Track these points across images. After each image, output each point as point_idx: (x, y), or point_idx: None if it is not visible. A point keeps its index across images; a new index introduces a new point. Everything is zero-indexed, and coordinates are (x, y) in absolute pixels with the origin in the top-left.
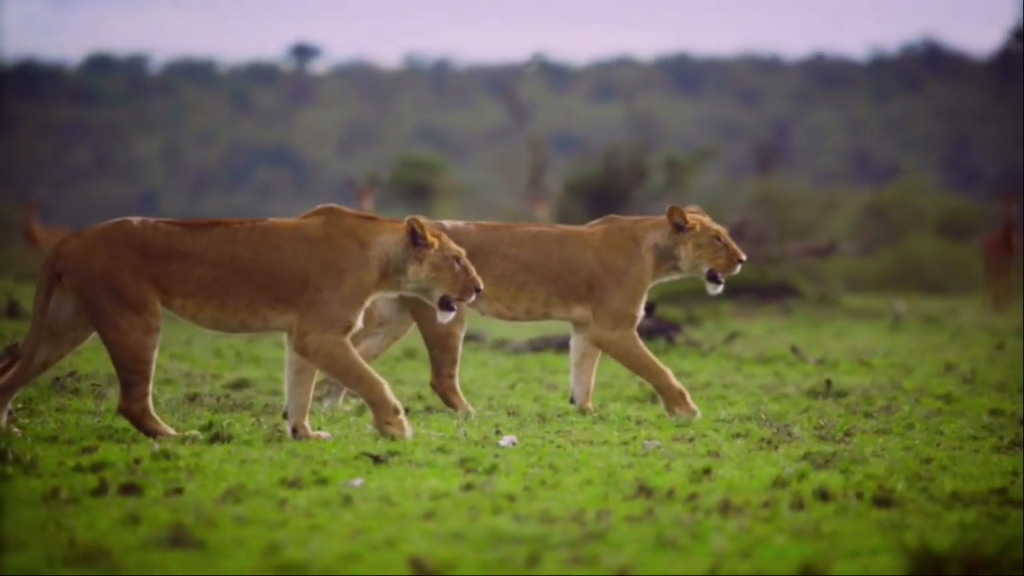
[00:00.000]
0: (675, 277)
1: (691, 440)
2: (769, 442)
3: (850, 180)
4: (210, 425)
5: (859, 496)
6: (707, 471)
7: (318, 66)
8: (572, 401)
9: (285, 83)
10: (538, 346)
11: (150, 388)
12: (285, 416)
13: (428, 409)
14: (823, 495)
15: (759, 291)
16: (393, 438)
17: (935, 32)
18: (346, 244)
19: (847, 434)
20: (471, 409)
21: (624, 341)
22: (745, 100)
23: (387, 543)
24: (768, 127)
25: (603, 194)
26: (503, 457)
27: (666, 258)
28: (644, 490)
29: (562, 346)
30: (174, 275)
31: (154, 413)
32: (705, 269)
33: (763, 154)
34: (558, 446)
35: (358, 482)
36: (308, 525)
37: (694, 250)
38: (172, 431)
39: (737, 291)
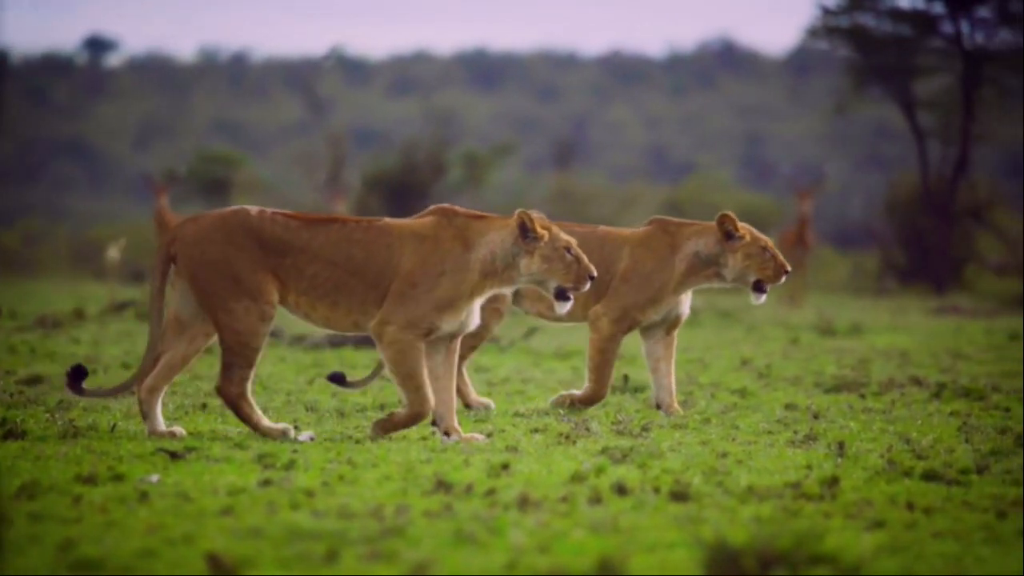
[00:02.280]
0: (715, 285)
1: (489, 435)
2: (567, 437)
3: (647, 176)
4: (3, 421)
5: (656, 490)
6: (505, 466)
7: (113, 59)
8: (658, 407)
9: (80, 76)
10: (336, 341)
11: (252, 374)
12: (434, 423)
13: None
14: (620, 489)
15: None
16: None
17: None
18: (450, 247)
19: (644, 429)
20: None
21: (606, 340)
22: (543, 95)
23: (184, 539)
24: (566, 123)
25: (402, 188)
26: (301, 452)
27: (707, 265)
28: (442, 485)
29: (360, 342)
30: (289, 270)
31: (252, 399)
32: (752, 279)
33: (561, 149)
34: (356, 441)
35: (155, 478)
36: (104, 521)
37: (744, 260)
38: (265, 421)
39: None
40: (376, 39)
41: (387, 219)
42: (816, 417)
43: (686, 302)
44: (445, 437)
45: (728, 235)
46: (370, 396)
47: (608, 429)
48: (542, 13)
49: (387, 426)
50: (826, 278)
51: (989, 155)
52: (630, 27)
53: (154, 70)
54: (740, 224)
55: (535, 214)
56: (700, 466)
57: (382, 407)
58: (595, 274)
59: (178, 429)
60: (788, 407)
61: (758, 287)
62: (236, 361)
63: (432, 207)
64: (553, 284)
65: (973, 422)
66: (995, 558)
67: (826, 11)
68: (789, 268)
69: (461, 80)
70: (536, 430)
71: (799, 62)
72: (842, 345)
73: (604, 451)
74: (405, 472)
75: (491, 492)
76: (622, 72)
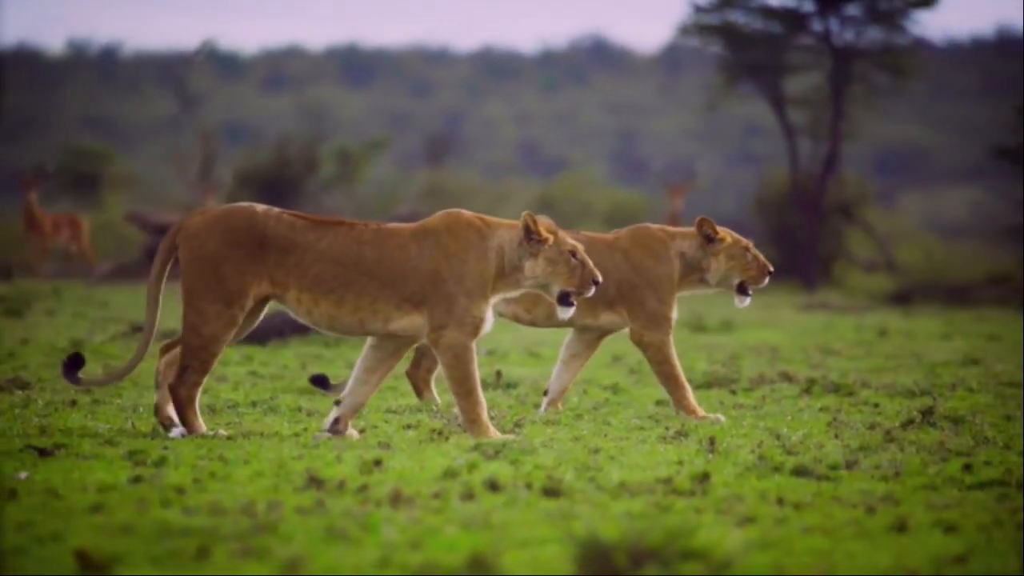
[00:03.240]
0: (697, 292)
1: (362, 431)
2: (440, 433)
3: (520, 172)
4: None
5: (528, 486)
6: (378, 462)
7: None
8: (545, 393)
9: None
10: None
11: (204, 381)
12: (337, 403)
13: (96, 402)
14: (493, 485)
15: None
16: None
17: (602, 27)
18: (466, 234)
19: (517, 425)
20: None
21: (663, 347)
22: (416, 91)
23: (53, 537)
24: (439, 119)
25: (274, 184)
26: (172, 449)
27: (693, 269)
28: (315, 481)
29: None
30: (292, 268)
31: (197, 407)
32: (736, 281)
33: (434, 146)
34: (228, 438)
35: (23, 475)
36: None
37: (726, 262)
38: (204, 427)
39: None
40: (247, 34)
41: (390, 224)
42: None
43: (664, 306)
44: (333, 423)
45: (708, 239)
46: (242, 392)
47: None
48: (414, 9)
49: (478, 432)
50: None
51: (859, 152)
52: (502, 23)
53: (21, 64)
54: (720, 228)
55: (541, 218)
56: (572, 462)
57: (254, 404)
58: (600, 279)
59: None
60: (660, 403)
61: (742, 289)
62: (192, 364)
63: (440, 212)
64: (557, 288)
65: (843, 418)
66: (864, 553)
67: (697, 8)
68: (772, 268)
69: (333, 76)
70: (409, 426)
71: (671, 59)
72: (713, 341)
73: (477, 447)
74: (277, 468)
75: (363, 488)
76: (494, 68)
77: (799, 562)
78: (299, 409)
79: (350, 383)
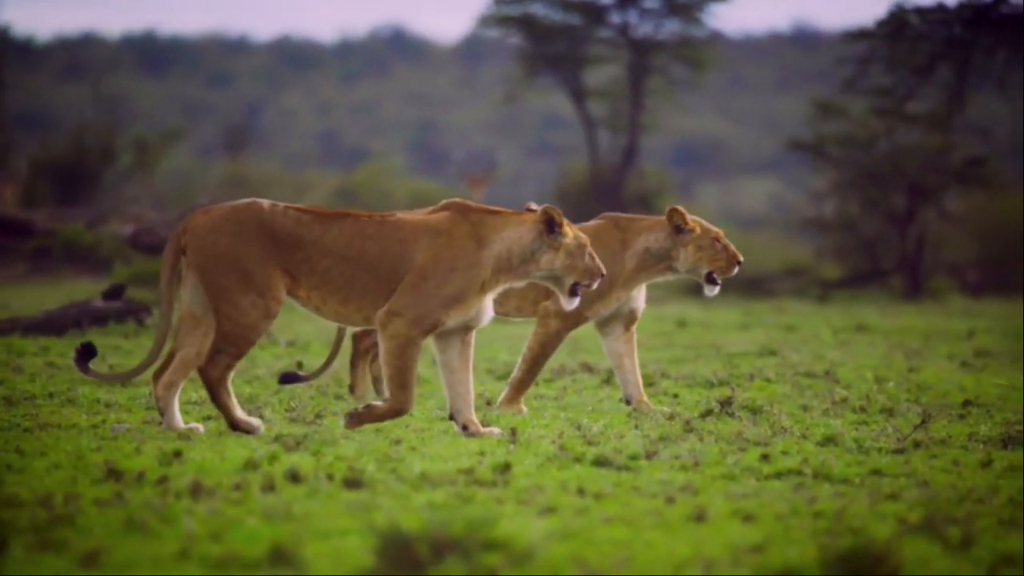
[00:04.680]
0: (670, 278)
1: (161, 423)
2: None
3: (320, 162)
4: None
5: (330, 477)
6: (178, 453)
7: None
8: (627, 403)
9: None
10: (4, 328)
11: (236, 366)
12: (451, 417)
13: None
14: (294, 477)
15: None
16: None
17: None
18: (463, 244)
19: (318, 416)
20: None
21: (552, 337)
22: (214, 81)
23: None
24: (238, 108)
25: (71, 174)
26: None
27: (659, 260)
28: (113, 473)
29: (28, 328)
30: (301, 264)
31: (230, 388)
32: (705, 271)
33: (233, 135)
34: (25, 429)
35: None
36: None
37: (695, 252)
38: (239, 411)
39: None
40: (42, 20)
41: (400, 214)
42: (489, 404)
43: (640, 296)
44: (463, 431)
45: (678, 229)
46: (39, 384)
47: (282, 416)
48: None
49: (364, 418)
50: None
51: (657, 144)
52: (301, 13)
53: None
54: (690, 217)
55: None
56: (374, 453)
57: (51, 395)
58: (605, 272)
59: (196, 425)
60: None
61: (711, 279)
62: (227, 348)
63: (446, 202)
64: (570, 280)
65: (642, 408)
66: (664, 543)
67: (497, 0)
68: (742, 259)
69: (130, 64)
70: (209, 417)
71: (470, 50)
72: (514, 332)
73: (278, 439)
74: (75, 460)
75: (163, 480)
76: (293, 58)
77: (599, 552)
78: (97, 401)
79: (445, 390)
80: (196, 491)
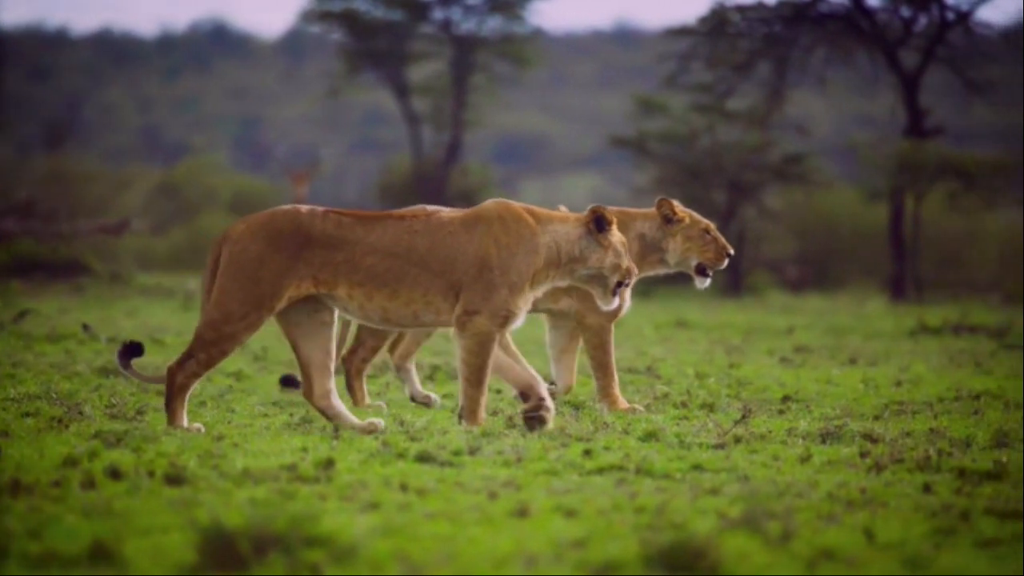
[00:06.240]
0: (660, 271)
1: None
2: (60, 421)
3: (142, 158)
4: None
5: (151, 474)
6: None
7: None
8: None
9: None
10: None
11: (204, 375)
12: (553, 396)
13: None
14: (114, 473)
15: (50, 269)
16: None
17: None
18: (519, 228)
19: (139, 412)
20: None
21: (601, 332)
22: (33, 75)
23: None
24: (58, 103)
25: None
26: None
27: (651, 251)
28: None
29: None
30: (341, 265)
31: (186, 400)
32: (694, 263)
33: (53, 131)
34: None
35: None
36: None
37: (684, 243)
38: (185, 422)
39: (27, 269)
40: None
41: (441, 210)
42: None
43: (626, 292)
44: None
45: (667, 220)
46: None
47: (101, 413)
48: None
49: (469, 420)
50: None
51: (481, 140)
52: (121, 6)
53: None
54: (680, 208)
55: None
56: (195, 449)
57: None
58: (636, 271)
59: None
60: (284, 390)
61: (701, 270)
62: (200, 355)
63: (488, 201)
64: (615, 279)
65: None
66: (486, 538)
67: None
68: (732, 250)
69: None
70: (27, 414)
71: (293, 45)
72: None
73: (97, 435)
74: None
75: None
76: (114, 52)
77: (422, 547)
78: None
79: (555, 373)
80: (15, 488)
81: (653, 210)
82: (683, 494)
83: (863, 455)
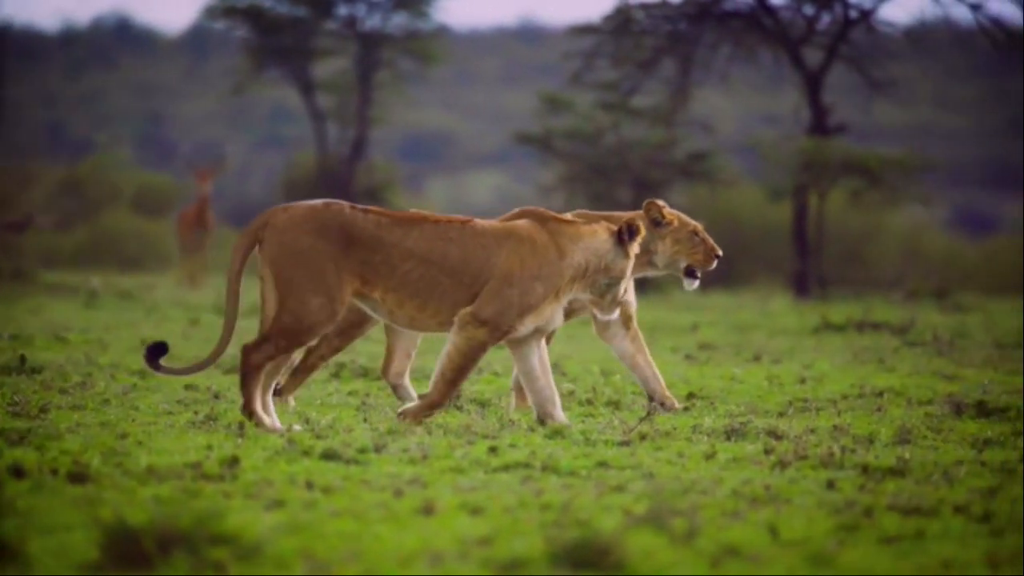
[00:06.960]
0: (649, 274)
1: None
2: None
3: (45, 154)
4: None
5: (54, 472)
6: None
7: None
8: (651, 399)
9: None
10: None
11: (278, 359)
12: (540, 421)
13: None
14: (17, 472)
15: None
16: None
17: (126, 7)
18: (546, 253)
19: (42, 410)
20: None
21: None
22: None
23: None
24: None
25: None
26: None
27: (641, 253)
28: None
29: None
30: (379, 266)
31: (263, 380)
32: (683, 265)
33: None
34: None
35: None
36: None
37: (672, 245)
38: (258, 406)
39: None
40: None
41: (476, 220)
42: (216, 397)
43: (630, 292)
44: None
45: (655, 222)
46: None
47: (3, 411)
48: None
49: (411, 417)
50: (225, 258)
51: (386, 137)
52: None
53: None
54: (668, 210)
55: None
56: (99, 447)
57: None
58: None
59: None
60: (188, 387)
61: (689, 273)
62: (279, 342)
63: (522, 209)
64: (623, 287)
65: (371, 401)
66: (392, 536)
67: None
68: (720, 252)
69: None
70: None
71: (197, 41)
72: (241, 324)
73: (1, 434)
74: None
75: None
76: (16, 48)
77: (328, 545)
78: None
79: (530, 397)
80: None
81: (640, 212)
82: (588, 491)
83: (767, 452)
